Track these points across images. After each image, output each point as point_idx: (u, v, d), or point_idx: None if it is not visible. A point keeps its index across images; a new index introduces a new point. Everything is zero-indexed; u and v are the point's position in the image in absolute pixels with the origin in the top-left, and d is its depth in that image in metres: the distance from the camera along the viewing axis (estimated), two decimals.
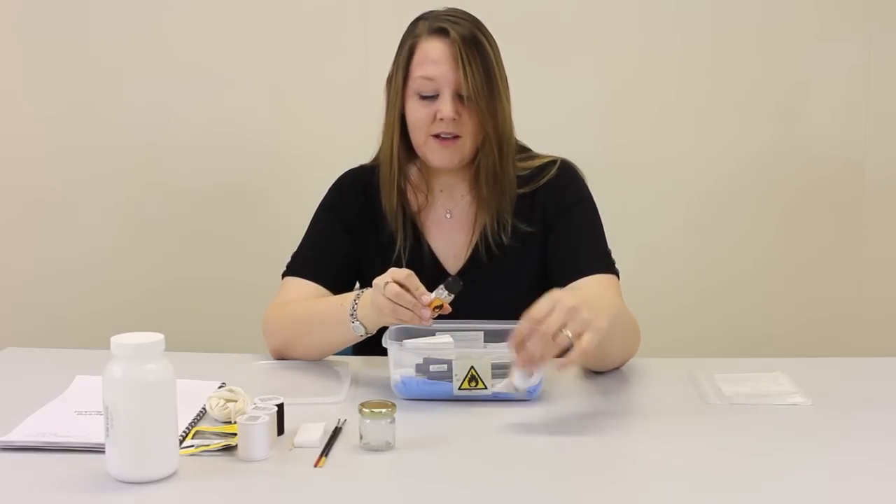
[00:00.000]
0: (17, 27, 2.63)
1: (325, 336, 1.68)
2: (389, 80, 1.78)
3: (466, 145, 1.73)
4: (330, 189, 1.86)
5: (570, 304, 1.35)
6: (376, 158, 1.84)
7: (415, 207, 1.81)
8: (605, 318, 1.39)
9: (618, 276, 1.76)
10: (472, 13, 1.76)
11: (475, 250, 1.78)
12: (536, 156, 1.84)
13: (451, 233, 1.80)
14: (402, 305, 1.48)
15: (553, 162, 1.83)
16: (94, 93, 2.65)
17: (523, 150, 1.84)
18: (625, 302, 1.71)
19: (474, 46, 1.70)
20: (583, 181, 1.83)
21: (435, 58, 1.70)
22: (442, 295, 1.49)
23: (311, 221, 1.84)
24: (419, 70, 1.71)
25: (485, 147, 1.74)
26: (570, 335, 1.34)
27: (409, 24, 1.77)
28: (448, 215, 1.82)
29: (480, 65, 1.69)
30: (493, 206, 1.75)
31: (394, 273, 1.50)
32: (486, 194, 1.76)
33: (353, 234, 1.81)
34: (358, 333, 1.61)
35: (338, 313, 1.62)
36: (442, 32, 1.71)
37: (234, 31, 2.64)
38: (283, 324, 1.71)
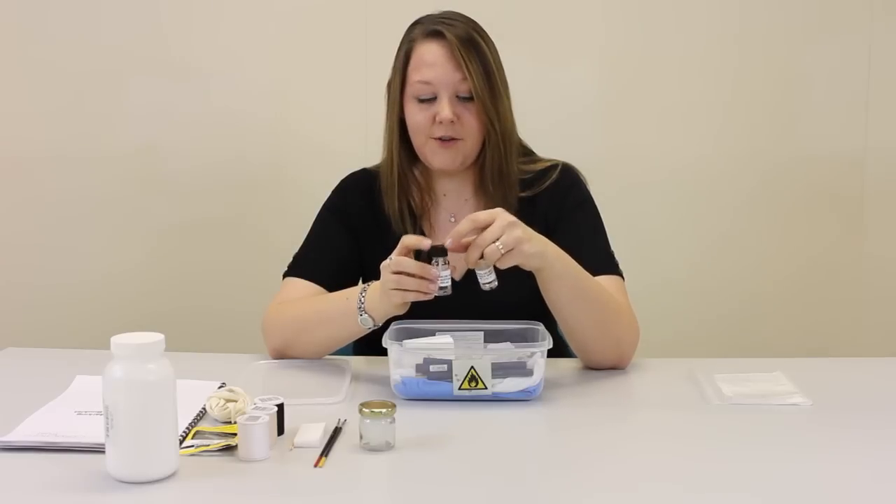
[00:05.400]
0: (17, 27, 2.63)
1: (329, 332, 1.67)
2: (389, 85, 1.79)
3: (467, 146, 1.74)
4: (333, 191, 1.86)
5: (510, 220, 1.49)
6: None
7: (419, 212, 1.81)
8: (537, 245, 1.51)
9: (622, 276, 1.76)
10: (472, 14, 1.77)
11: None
12: (539, 159, 1.85)
13: None
14: (406, 273, 1.49)
15: (555, 166, 1.83)
16: (94, 93, 2.65)
17: (526, 153, 1.85)
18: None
19: (471, 46, 1.71)
20: (584, 184, 1.84)
21: (431, 61, 1.70)
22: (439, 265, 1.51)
23: (314, 222, 1.85)
24: (416, 74, 1.72)
25: (489, 145, 1.74)
26: (501, 248, 1.47)
27: (407, 27, 1.78)
28: (452, 219, 1.81)
29: (479, 63, 1.70)
30: (497, 206, 1.75)
31: (394, 253, 1.53)
32: (493, 191, 1.76)
33: (356, 237, 1.81)
34: (366, 326, 1.61)
35: (343, 308, 1.62)
36: (437, 35, 1.71)
37: (235, 32, 2.64)
38: (285, 322, 1.71)
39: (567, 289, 1.59)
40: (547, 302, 1.62)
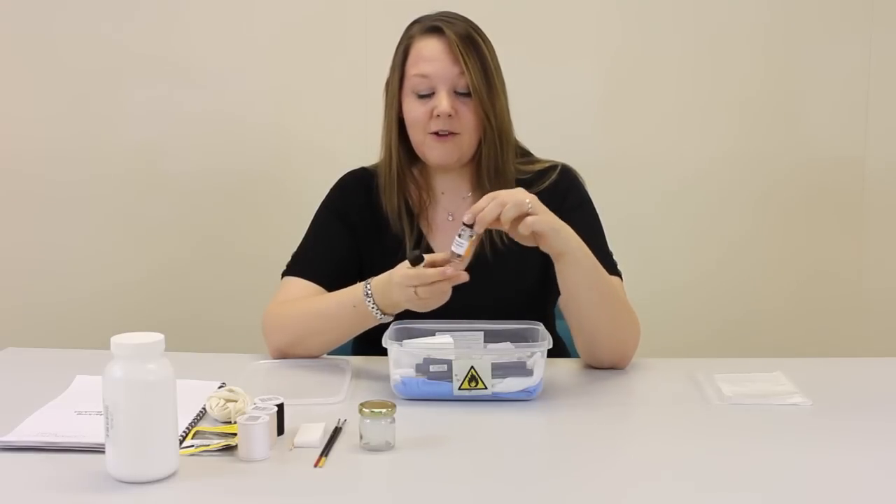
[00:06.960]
0: (17, 26, 2.64)
1: (335, 332, 1.68)
2: (387, 84, 1.79)
3: (464, 142, 1.74)
4: (332, 189, 1.86)
5: (532, 197, 1.52)
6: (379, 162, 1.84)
7: (417, 210, 1.81)
8: (564, 240, 1.54)
9: (621, 277, 1.76)
10: (471, 14, 1.78)
11: (477, 252, 1.78)
12: (537, 160, 1.85)
13: (454, 235, 1.80)
14: (429, 284, 1.51)
15: (553, 167, 1.83)
16: (94, 93, 2.65)
17: (524, 154, 1.85)
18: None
19: (470, 42, 1.72)
20: (583, 186, 1.84)
21: (429, 55, 1.71)
22: (463, 246, 1.52)
23: (313, 221, 1.85)
24: (414, 69, 1.72)
25: (485, 142, 1.74)
26: (529, 204, 1.50)
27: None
28: (450, 217, 1.81)
29: (477, 59, 1.71)
30: None
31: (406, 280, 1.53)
32: (490, 188, 1.76)
33: (355, 235, 1.81)
34: (387, 321, 1.62)
35: (351, 310, 1.62)
36: (436, 31, 1.72)
37: (235, 32, 2.64)
38: (288, 322, 1.71)
39: (584, 277, 1.59)
40: (562, 290, 1.62)
